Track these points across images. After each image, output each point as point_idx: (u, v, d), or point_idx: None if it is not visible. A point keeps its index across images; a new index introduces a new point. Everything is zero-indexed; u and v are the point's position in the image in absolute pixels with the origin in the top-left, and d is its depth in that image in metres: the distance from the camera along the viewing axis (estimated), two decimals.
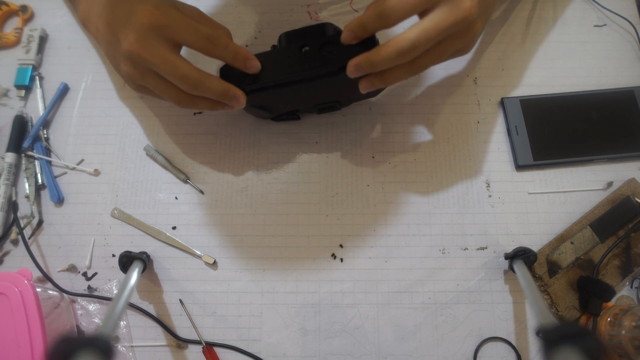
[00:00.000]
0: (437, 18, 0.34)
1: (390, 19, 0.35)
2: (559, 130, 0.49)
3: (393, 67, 0.36)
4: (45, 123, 0.51)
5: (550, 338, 0.29)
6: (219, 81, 0.37)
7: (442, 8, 0.34)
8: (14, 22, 0.55)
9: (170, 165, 0.49)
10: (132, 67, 0.37)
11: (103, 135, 0.51)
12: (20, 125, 0.50)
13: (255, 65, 0.38)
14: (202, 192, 0.48)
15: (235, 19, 0.55)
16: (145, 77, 0.37)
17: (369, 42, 0.38)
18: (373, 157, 0.49)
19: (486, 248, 0.46)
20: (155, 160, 0.49)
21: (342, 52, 0.39)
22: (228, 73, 0.42)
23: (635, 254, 0.45)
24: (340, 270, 0.46)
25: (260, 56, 0.41)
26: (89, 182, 0.49)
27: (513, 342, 0.44)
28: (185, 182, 0.48)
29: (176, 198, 0.48)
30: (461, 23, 0.35)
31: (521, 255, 0.43)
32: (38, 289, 0.40)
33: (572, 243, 0.45)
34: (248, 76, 0.41)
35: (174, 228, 0.48)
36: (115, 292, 0.46)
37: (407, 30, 0.35)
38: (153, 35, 0.35)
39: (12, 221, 0.47)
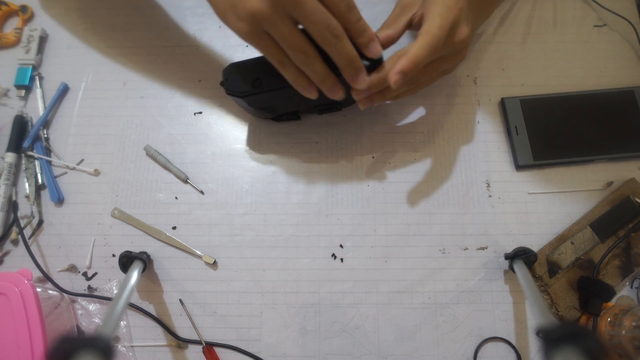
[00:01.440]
0: (446, 47, 0.39)
1: (439, 48, 0.38)
2: (559, 130, 0.49)
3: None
4: (45, 123, 0.51)
5: (550, 338, 0.29)
6: (323, 66, 0.37)
7: (449, 40, 0.39)
8: (14, 22, 0.55)
9: (170, 165, 0.49)
10: (272, 8, 0.34)
11: (103, 135, 0.51)
12: (20, 125, 0.50)
13: (377, 50, 0.37)
14: (202, 192, 0.48)
15: None
16: (283, 22, 0.35)
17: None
18: (373, 157, 0.49)
19: (486, 248, 0.46)
20: (155, 160, 0.49)
21: None
22: (233, 71, 0.42)
23: (635, 254, 0.45)
24: (340, 270, 0.46)
25: (262, 58, 0.41)
26: (89, 182, 0.49)
27: (513, 342, 0.44)
28: (186, 182, 0.48)
29: (176, 198, 0.48)
30: (457, 48, 0.40)
31: (521, 255, 0.43)
32: (38, 289, 0.40)
33: (572, 243, 0.45)
34: (251, 78, 0.41)
35: (174, 228, 0.48)
36: (115, 292, 0.46)
37: (412, 47, 0.38)
38: (281, 4, 0.34)
39: (12, 221, 0.47)
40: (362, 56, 0.38)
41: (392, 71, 0.37)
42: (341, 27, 0.35)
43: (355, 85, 0.37)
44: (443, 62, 0.41)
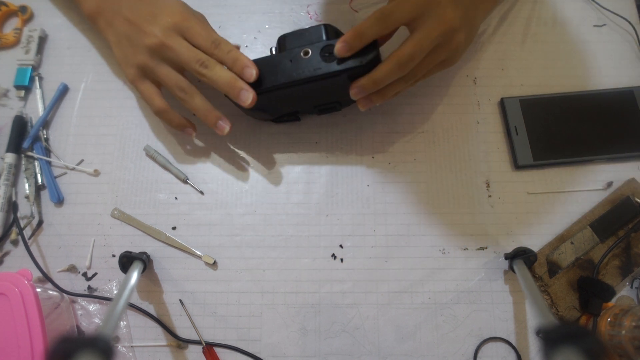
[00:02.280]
0: (426, 29, 0.38)
1: (389, 22, 0.38)
2: (558, 130, 0.49)
3: (390, 80, 0.39)
4: (45, 123, 0.51)
5: (551, 338, 0.29)
6: (203, 101, 0.43)
7: (429, 18, 0.38)
8: (14, 23, 0.55)
9: (170, 165, 0.49)
10: (149, 58, 0.43)
11: (103, 135, 0.51)
12: (20, 126, 0.50)
13: (251, 74, 0.40)
14: (202, 192, 0.48)
15: (235, 18, 0.55)
16: (160, 66, 0.43)
17: (369, 47, 0.39)
18: (373, 157, 0.49)
19: (486, 248, 0.46)
20: (155, 160, 0.49)
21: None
22: None
23: (635, 254, 0.45)
24: (340, 270, 0.46)
25: (263, 60, 0.41)
26: (89, 182, 0.49)
27: (513, 342, 0.44)
28: (185, 182, 0.48)
29: (176, 198, 0.48)
30: (445, 33, 0.38)
31: (521, 255, 0.43)
32: (38, 289, 0.40)
33: (572, 243, 0.45)
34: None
35: (174, 228, 0.48)
36: (115, 292, 0.46)
37: (402, 44, 0.38)
38: (176, 32, 0.42)
39: (12, 221, 0.47)
40: (361, 55, 0.38)
41: (354, 84, 0.40)
42: (188, 84, 0.43)
43: (240, 102, 0.41)
44: (436, 53, 0.40)
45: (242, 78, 0.41)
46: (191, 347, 0.44)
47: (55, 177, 0.49)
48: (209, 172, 0.49)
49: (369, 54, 0.39)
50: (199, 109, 0.43)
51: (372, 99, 0.42)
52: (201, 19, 0.46)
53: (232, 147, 0.50)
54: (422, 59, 0.39)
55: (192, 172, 0.49)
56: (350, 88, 0.40)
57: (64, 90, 0.52)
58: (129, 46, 0.44)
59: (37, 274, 0.45)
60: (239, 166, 0.49)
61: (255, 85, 0.41)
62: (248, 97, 0.40)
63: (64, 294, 0.45)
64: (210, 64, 0.41)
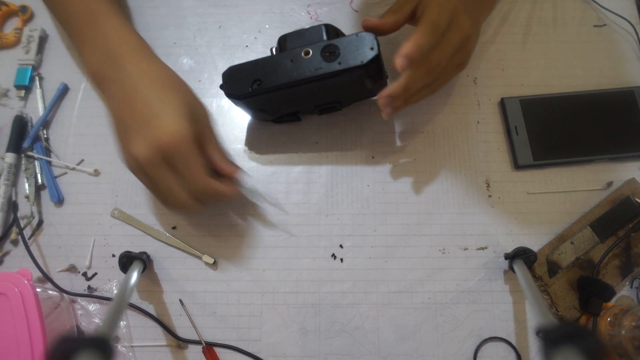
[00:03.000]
0: (451, 36, 0.40)
1: (439, 32, 0.39)
2: (559, 130, 0.49)
3: (419, 87, 0.41)
4: (45, 123, 0.51)
5: (550, 338, 0.29)
6: (186, 199, 0.40)
7: (452, 28, 0.40)
8: (14, 23, 0.55)
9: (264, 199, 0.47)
10: (134, 166, 0.39)
11: (103, 135, 0.51)
12: (20, 126, 0.50)
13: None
14: (287, 212, 0.47)
15: (235, 18, 0.55)
16: (143, 178, 0.40)
17: (371, 42, 0.39)
18: (373, 157, 0.49)
19: (486, 248, 0.46)
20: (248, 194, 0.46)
21: (343, 54, 0.39)
22: (231, 73, 0.42)
23: (635, 254, 0.45)
24: (340, 270, 0.46)
25: (264, 60, 0.41)
26: (89, 182, 0.49)
27: (513, 342, 0.44)
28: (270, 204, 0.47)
29: None
30: (464, 39, 0.41)
31: (521, 255, 0.43)
32: (38, 289, 0.40)
33: (572, 243, 0.45)
34: (250, 80, 0.41)
35: (174, 228, 0.48)
36: (115, 292, 0.46)
37: (430, 52, 0.39)
38: (159, 156, 0.37)
39: (12, 221, 0.47)
40: (362, 55, 0.38)
41: (398, 56, 0.37)
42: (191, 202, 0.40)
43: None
44: (454, 57, 0.42)
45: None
46: (191, 347, 0.44)
47: (55, 177, 0.49)
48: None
49: (369, 54, 0.39)
50: (182, 203, 0.40)
51: (397, 107, 0.42)
52: (205, 130, 0.41)
53: (232, 147, 0.50)
54: (447, 66, 0.42)
55: None
56: (379, 97, 0.40)
57: (64, 90, 0.52)
58: (123, 133, 0.39)
59: (37, 273, 0.45)
60: (239, 166, 0.49)
61: (256, 85, 0.41)
62: (234, 190, 0.42)
63: (64, 294, 0.45)
64: (184, 202, 0.39)
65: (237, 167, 0.42)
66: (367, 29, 0.42)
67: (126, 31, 0.43)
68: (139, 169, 0.39)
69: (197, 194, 0.39)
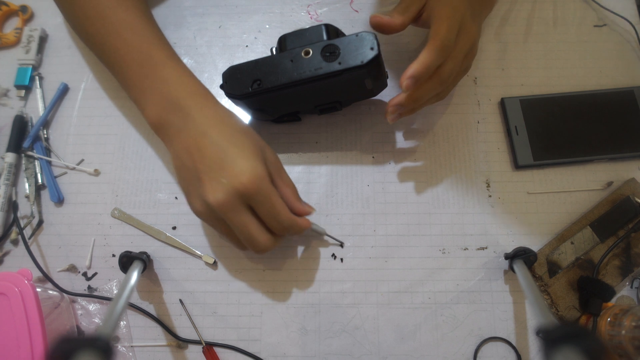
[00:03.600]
0: (461, 45, 0.40)
1: (449, 49, 0.39)
2: (559, 130, 0.49)
3: (429, 97, 0.42)
4: (45, 123, 0.51)
5: (550, 338, 0.29)
6: (271, 239, 0.39)
7: (461, 36, 0.40)
8: (14, 22, 0.55)
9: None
10: (206, 212, 0.38)
11: (103, 135, 0.51)
12: (20, 125, 0.50)
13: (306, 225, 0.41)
14: (341, 244, 0.47)
15: (236, 18, 0.55)
16: (216, 224, 0.39)
17: (371, 42, 0.39)
18: (373, 157, 0.49)
19: (486, 248, 0.46)
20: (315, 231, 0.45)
21: (343, 54, 0.39)
22: (232, 73, 0.42)
23: (635, 254, 0.45)
24: (340, 270, 0.46)
25: (264, 60, 0.41)
26: (89, 182, 0.49)
27: (513, 342, 0.44)
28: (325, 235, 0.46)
29: (176, 198, 0.48)
30: (471, 46, 0.42)
31: (521, 255, 0.43)
32: (38, 289, 0.40)
33: (572, 243, 0.45)
34: (250, 80, 0.41)
35: (174, 228, 0.48)
36: (115, 292, 0.46)
37: (444, 64, 0.40)
38: (239, 199, 0.36)
39: (12, 221, 0.47)
40: (362, 55, 0.38)
41: (404, 76, 0.38)
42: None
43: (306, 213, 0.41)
44: (463, 62, 0.42)
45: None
46: (191, 347, 0.44)
47: (56, 177, 0.49)
48: None
49: (369, 54, 0.39)
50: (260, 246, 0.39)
51: (402, 113, 0.43)
52: (279, 176, 0.40)
53: None
54: (458, 73, 0.43)
55: None
56: (388, 105, 0.42)
57: (64, 90, 0.52)
58: (195, 180, 0.38)
59: (37, 273, 0.45)
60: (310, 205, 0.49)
61: (256, 86, 0.41)
62: (307, 222, 0.41)
63: (64, 294, 0.45)
64: (264, 247, 0.39)
65: (310, 206, 0.42)
66: (376, 26, 0.42)
67: (187, 77, 0.41)
68: (213, 216, 0.38)
69: (281, 231, 0.39)
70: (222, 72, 0.43)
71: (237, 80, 0.42)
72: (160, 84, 0.40)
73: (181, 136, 0.39)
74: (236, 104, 0.46)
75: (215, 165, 0.36)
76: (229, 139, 0.38)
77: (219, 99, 0.52)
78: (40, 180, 0.49)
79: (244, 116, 0.51)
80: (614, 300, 0.44)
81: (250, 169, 0.36)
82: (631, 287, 0.45)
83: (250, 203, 0.37)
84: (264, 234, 0.38)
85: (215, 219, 0.38)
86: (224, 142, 0.37)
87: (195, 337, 0.44)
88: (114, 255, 0.47)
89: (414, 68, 0.38)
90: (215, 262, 0.46)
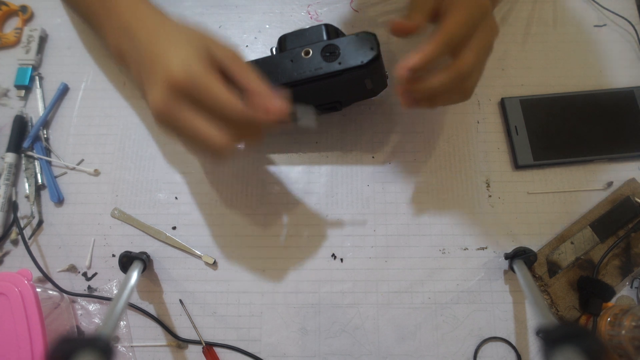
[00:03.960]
0: (484, 37, 0.36)
1: (457, 45, 0.35)
2: (559, 130, 0.49)
3: (446, 91, 0.37)
4: (45, 123, 0.51)
5: (550, 338, 0.29)
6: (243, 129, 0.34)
7: (482, 28, 0.36)
8: (14, 22, 0.55)
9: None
10: (160, 122, 0.34)
11: (103, 135, 0.51)
12: (20, 125, 0.50)
13: (278, 107, 0.34)
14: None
15: (236, 18, 0.55)
16: (184, 112, 0.34)
17: (371, 42, 0.39)
18: (373, 157, 0.49)
19: (486, 248, 0.46)
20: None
21: (343, 54, 0.39)
22: None
23: (635, 254, 0.45)
24: (340, 270, 0.46)
25: (264, 60, 0.41)
26: (89, 182, 0.49)
27: (513, 342, 0.44)
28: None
29: (176, 198, 0.48)
30: (494, 39, 0.38)
31: (521, 255, 0.43)
32: (38, 289, 0.40)
33: (572, 243, 0.45)
34: None
35: (174, 228, 0.48)
36: (115, 292, 0.46)
37: (462, 54, 0.36)
38: (176, 96, 0.32)
39: (12, 221, 0.47)
40: (362, 54, 0.38)
41: (400, 66, 0.35)
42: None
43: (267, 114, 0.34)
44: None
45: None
46: (191, 347, 0.44)
47: (56, 177, 0.49)
48: (209, 172, 0.49)
49: (369, 54, 0.39)
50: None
51: (419, 103, 0.39)
52: (223, 54, 0.35)
53: None
54: (480, 68, 0.38)
55: (193, 172, 0.49)
56: (400, 94, 0.38)
57: (64, 90, 0.52)
58: (142, 93, 0.37)
59: (37, 274, 0.45)
60: (239, 166, 0.49)
61: None
62: (280, 107, 0.34)
63: (64, 294, 0.45)
64: (225, 146, 0.33)
65: (279, 99, 0.34)
66: (397, 31, 0.37)
67: (141, 4, 0.40)
68: (163, 122, 0.34)
69: (237, 129, 0.33)
70: None
71: None
72: (115, 17, 0.40)
73: (131, 56, 0.38)
74: None
75: (149, 68, 0.34)
76: (160, 40, 0.35)
77: None
78: (40, 180, 0.49)
79: None
80: (614, 300, 0.44)
81: (180, 61, 0.32)
82: (631, 287, 0.45)
83: (191, 99, 0.33)
84: (211, 130, 0.33)
85: (168, 125, 0.34)
86: (156, 44, 0.35)
87: (195, 337, 0.44)
88: (114, 256, 0.47)
89: (413, 59, 0.34)
90: (215, 262, 0.46)
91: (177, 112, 0.33)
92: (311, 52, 0.40)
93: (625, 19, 0.52)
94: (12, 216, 0.47)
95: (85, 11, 0.45)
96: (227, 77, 0.34)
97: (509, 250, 0.45)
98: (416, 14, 0.37)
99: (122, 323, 0.45)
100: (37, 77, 0.53)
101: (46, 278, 0.45)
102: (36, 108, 0.52)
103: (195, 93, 0.32)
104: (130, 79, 0.52)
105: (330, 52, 0.40)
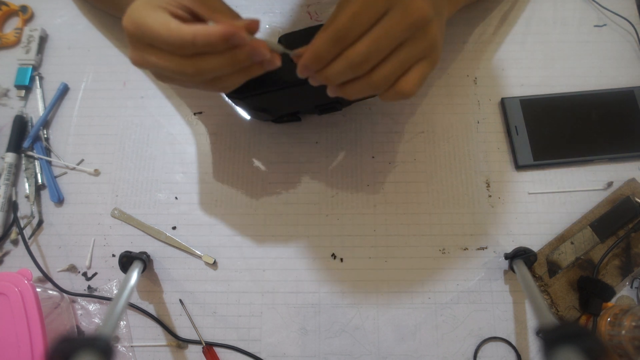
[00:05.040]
0: (387, 24, 0.31)
1: (347, 40, 0.31)
2: (559, 130, 0.49)
3: (351, 80, 0.33)
4: (45, 123, 0.51)
5: (550, 338, 0.29)
6: (216, 55, 0.32)
7: (392, 12, 0.31)
8: (14, 22, 0.55)
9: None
10: (133, 50, 0.34)
11: (103, 135, 0.51)
12: (20, 125, 0.50)
13: (241, 37, 0.31)
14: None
15: None
16: (147, 56, 0.33)
17: None
18: (373, 157, 0.49)
19: (486, 248, 0.46)
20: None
21: None
22: None
23: (635, 254, 0.45)
24: (340, 270, 0.46)
25: None
26: (89, 182, 0.49)
27: (513, 342, 0.44)
28: None
29: (176, 198, 0.48)
30: (415, 25, 0.31)
31: (521, 255, 0.43)
32: (38, 289, 0.40)
33: (572, 243, 0.45)
34: (251, 80, 0.41)
35: (174, 228, 0.48)
36: (115, 292, 0.46)
37: (356, 42, 0.31)
38: (135, 44, 0.33)
39: (12, 221, 0.47)
40: None
41: (300, 59, 0.33)
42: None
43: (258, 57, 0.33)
44: (408, 48, 0.32)
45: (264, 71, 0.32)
46: (191, 347, 0.44)
47: (56, 177, 0.49)
48: (209, 172, 0.49)
49: None
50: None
51: (335, 91, 0.35)
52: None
53: (232, 146, 0.50)
54: (389, 57, 0.32)
55: (192, 171, 0.49)
56: (298, 69, 0.34)
57: (64, 90, 0.52)
58: None
59: (37, 273, 0.45)
60: (239, 166, 0.49)
61: (256, 85, 0.41)
62: (262, 51, 0.32)
63: (64, 294, 0.45)
64: (194, 70, 0.32)
65: (243, 22, 0.32)
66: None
67: None
68: (140, 67, 0.35)
69: (176, 50, 0.32)
70: None
71: None
72: None
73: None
74: (236, 104, 0.46)
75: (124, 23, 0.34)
76: None
77: (220, 100, 0.52)
78: (40, 180, 0.49)
79: (244, 115, 0.51)
80: (614, 300, 0.44)
81: (129, 11, 0.32)
82: (631, 287, 0.45)
83: (146, 42, 0.32)
84: (172, 63, 0.32)
85: (142, 52, 0.33)
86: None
87: (195, 337, 0.44)
88: (114, 255, 0.47)
89: (304, 57, 0.32)
90: (215, 262, 0.46)
91: (142, 58, 0.33)
92: None
93: (625, 19, 0.52)
94: (12, 216, 0.47)
95: None
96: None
97: (509, 250, 0.45)
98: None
99: (122, 323, 0.45)
100: (37, 77, 0.53)
101: (46, 278, 0.45)
102: (36, 108, 0.52)
103: (143, 37, 0.32)
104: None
105: None
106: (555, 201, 0.48)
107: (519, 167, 0.48)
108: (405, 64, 0.33)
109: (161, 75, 0.35)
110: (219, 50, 0.32)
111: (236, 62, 0.33)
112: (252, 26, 0.33)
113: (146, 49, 0.33)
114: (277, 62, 0.34)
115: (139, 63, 0.34)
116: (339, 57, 0.32)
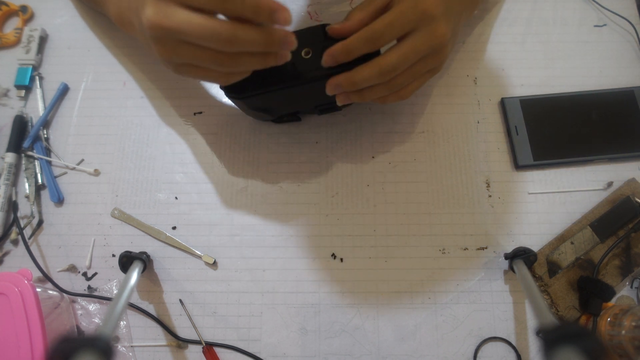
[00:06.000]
0: (415, 42, 0.36)
1: (379, 43, 0.37)
2: (559, 130, 0.49)
3: (370, 85, 0.38)
4: (45, 123, 0.51)
5: (550, 338, 0.29)
6: (256, 29, 0.32)
7: (420, 32, 0.36)
8: (14, 22, 0.55)
9: None
10: (162, 46, 0.33)
11: (103, 135, 0.51)
12: (20, 125, 0.50)
13: (285, 18, 0.32)
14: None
15: None
16: (178, 50, 0.33)
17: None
18: (373, 157, 0.49)
19: (486, 248, 0.46)
20: None
21: None
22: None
23: (635, 254, 0.45)
24: (340, 270, 0.46)
25: None
26: (89, 182, 0.49)
27: (513, 342, 0.44)
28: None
29: (176, 198, 0.48)
30: (436, 47, 0.37)
31: (521, 255, 0.43)
32: (38, 289, 0.40)
33: (572, 243, 0.45)
34: (250, 79, 0.41)
35: (174, 228, 0.48)
36: (115, 292, 0.46)
37: (387, 52, 0.37)
38: (168, 3, 0.32)
39: (12, 221, 0.47)
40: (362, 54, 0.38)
41: (331, 81, 0.38)
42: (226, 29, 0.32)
43: (285, 48, 0.34)
44: (423, 63, 0.38)
45: (275, 23, 0.32)
46: (191, 347, 0.44)
47: (56, 177, 0.49)
48: (209, 171, 0.49)
49: (370, 53, 0.39)
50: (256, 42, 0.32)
51: (350, 97, 0.40)
52: None
53: (232, 146, 0.50)
54: (408, 68, 0.38)
55: (193, 172, 0.49)
56: (327, 84, 0.38)
57: (64, 90, 0.52)
58: (146, 42, 0.36)
59: (37, 273, 0.45)
60: (239, 166, 0.49)
61: (256, 85, 0.41)
62: (292, 41, 0.33)
63: (64, 294, 0.45)
64: (231, 33, 0.31)
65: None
66: (335, 36, 0.38)
67: None
68: (169, 65, 0.35)
69: (218, 8, 0.32)
70: None
71: (237, 83, 0.42)
72: None
73: (130, 9, 0.39)
74: (236, 104, 0.46)
75: (138, 23, 0.36)
76: None
77: (220, 100, 0.52)
78: (40, 180, 0.49)
79: (244, 115, 0.51)
80: (614, 300, 0.44)
81: (148, 5, 0.32)
82: (631, 287, 0.45)
83: (175, 37, 0.32)
84: (223, 22, 0.32)
85: (173, 47, 0.34)
86: None
87: (195, 337, 0.44)
88: (114, 255, 0.47)
89: (334, 48, 0.36)
90: (215, 262, 0.46)
91: (174, 54, 0.33)
92: (311, 52, 0.40)
93: (625, 19, 0.52)
94: (12, 216, 0.47)
95: None
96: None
97: (509, 250, 0.45)
98: (359, 12, 0.38)
99: (122, 323, 0.45)
100: (37, 77, 0.53)
101: (46, 278, 0.45)
102: (36, 108, 0.52)
103: (164, 34, 0.32)
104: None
105: None
106: (555, 201, 0.48)
107: (519, 167, 0.48)
108: (417, 74, 0.39)
109: (180, 65, 0.35)
110: (259, 21, 0.32)
111: (269, 41, 0.33)
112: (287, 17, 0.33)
113: (178, 43, 0.33)
114: (288, 57, 0.35)
115: (168, 59, 0.34)
116: (369, 64, 0.37)
